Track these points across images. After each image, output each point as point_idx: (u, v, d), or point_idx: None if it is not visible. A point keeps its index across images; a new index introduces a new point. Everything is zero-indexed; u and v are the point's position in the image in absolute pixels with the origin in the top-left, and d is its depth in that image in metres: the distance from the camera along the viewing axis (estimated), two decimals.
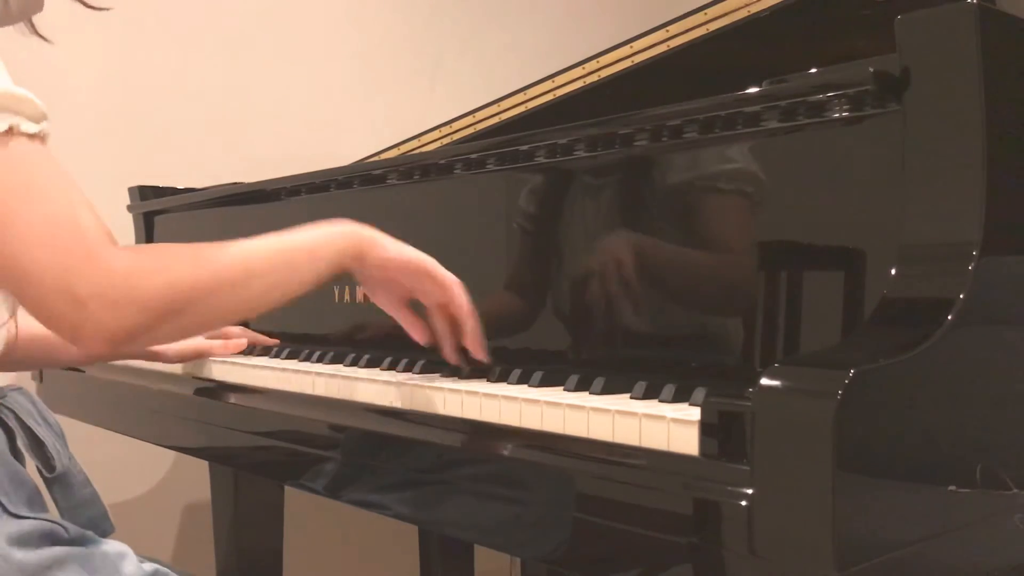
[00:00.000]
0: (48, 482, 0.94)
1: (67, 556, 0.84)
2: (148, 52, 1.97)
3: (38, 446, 0.93)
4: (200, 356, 1.29)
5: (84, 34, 1.81)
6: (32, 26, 0.98)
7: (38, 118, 0.79)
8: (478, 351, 0.97)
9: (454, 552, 1.78)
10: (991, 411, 0.72)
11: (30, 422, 0.93)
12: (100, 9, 0.96)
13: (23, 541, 0.83)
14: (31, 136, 0.78)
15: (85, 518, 0.95)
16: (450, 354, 0.99)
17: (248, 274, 0.84)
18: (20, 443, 0.92)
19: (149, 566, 0.90)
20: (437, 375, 1.02)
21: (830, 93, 0.79)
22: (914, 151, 0.73)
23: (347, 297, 1.27)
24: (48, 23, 0.96)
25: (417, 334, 1.00)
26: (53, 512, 0.92)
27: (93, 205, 0.79)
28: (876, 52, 0.82)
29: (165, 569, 0.91)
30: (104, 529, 0.96)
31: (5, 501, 0.85)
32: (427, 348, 1.00)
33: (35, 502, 0.88)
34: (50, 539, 0.85)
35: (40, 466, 0.94)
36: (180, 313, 0.79)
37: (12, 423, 0.92)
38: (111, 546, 0.89)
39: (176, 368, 1.33)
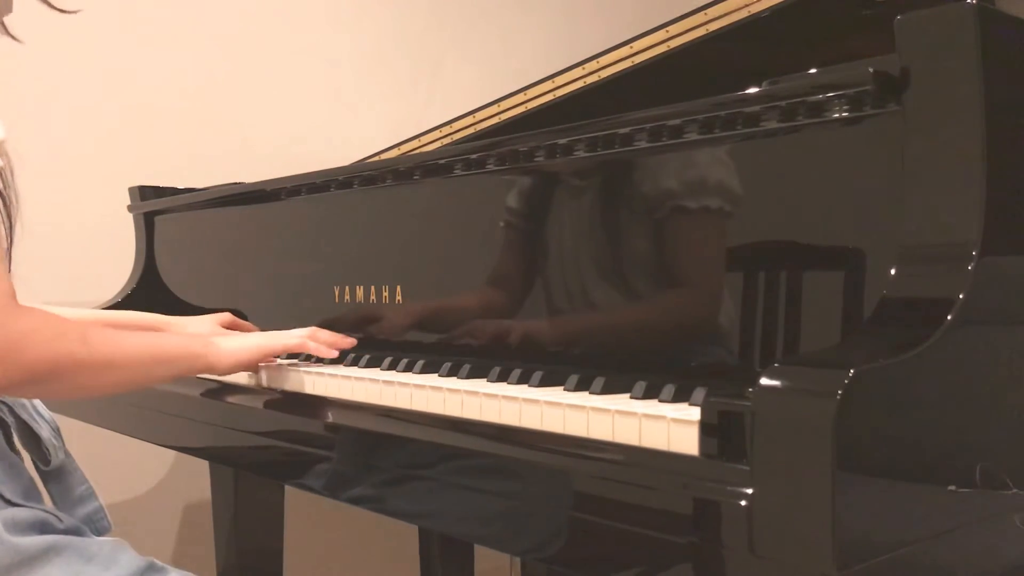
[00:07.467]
0: (44, 476, 0.95)
1: (63, 544, 0.85)
2: (148, 52, 1.97)
3: (34, 440, 0.93)
4: None
5: (83, 34, 1.81)
6: (3, 27, 0.97)
7: None
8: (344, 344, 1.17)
9: (454, 552, 1.78)
10: (991, 411, 0.72)
11: (25, 416, 0.93)
12: (67, 12, 0.97)
13: (19, 528, 0.83)
14: None
15: (81, 514, 0.95)
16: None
17: (114, 364, 0.92)
18: (16, 437, 0.92)
19: (145, 559, 0.90)
20: (435, 375, 1.02)
21: (830, 93, 0.79)
22: (914, 151, 0.73)
23: (347, 297, 1.27)
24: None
25: None
26: (49, 508, 0.91)
27: (3, 256, 0.81)
28: (876, 52, 0.82)
29: (161, 564, 0.91)
30: (101, 527, 0.96)
31: (2, 488, 0.85)
32: (431, 348, 1.00)
33: (31, 494, 0.89)
34: (45, 528, 0.86)
35: (36, 460, 0.94)
36: (52, 381, 0.85)
37: (8, 417, 0.92)
38: (107, 541, 0.89)
39: None
